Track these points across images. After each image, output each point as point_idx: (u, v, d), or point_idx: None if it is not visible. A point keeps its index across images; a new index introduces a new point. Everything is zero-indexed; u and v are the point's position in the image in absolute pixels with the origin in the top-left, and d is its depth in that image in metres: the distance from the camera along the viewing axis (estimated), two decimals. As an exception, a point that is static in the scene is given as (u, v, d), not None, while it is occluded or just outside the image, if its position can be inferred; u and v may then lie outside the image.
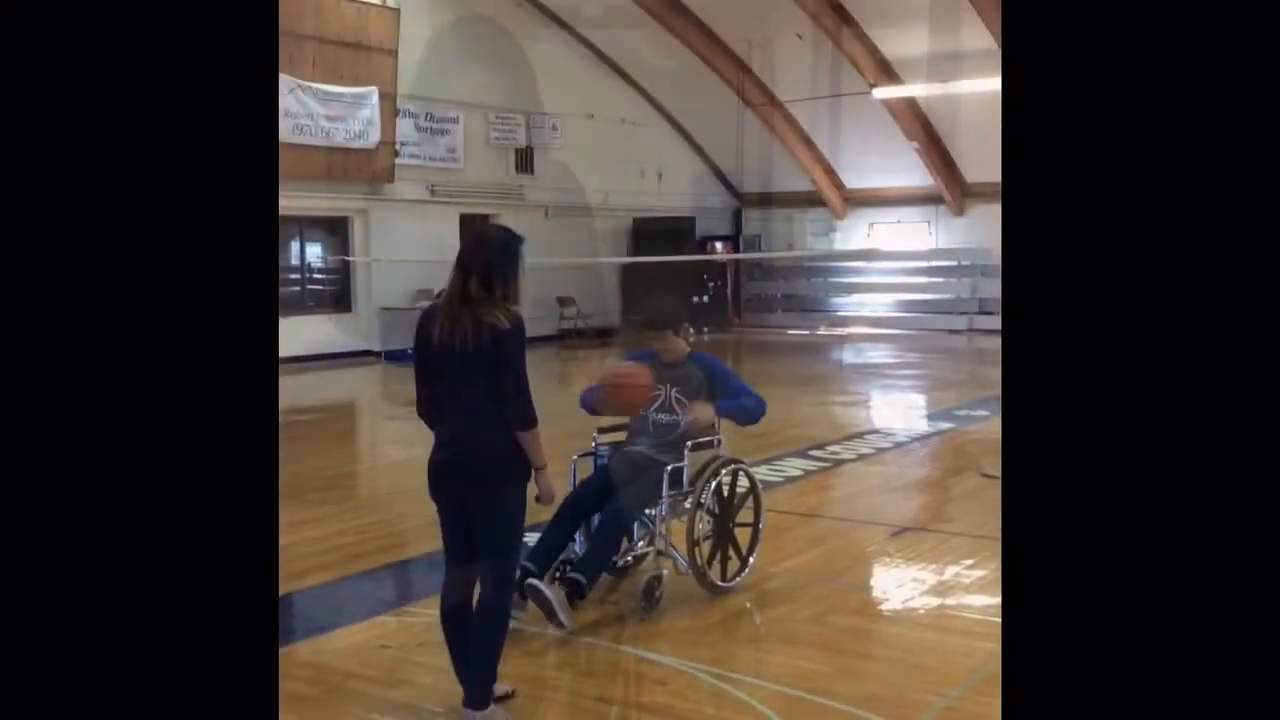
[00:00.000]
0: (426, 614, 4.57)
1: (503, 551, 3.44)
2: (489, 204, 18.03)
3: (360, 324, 16.31)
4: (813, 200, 21.41)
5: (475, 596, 3.48)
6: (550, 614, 4.14)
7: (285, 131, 14.40)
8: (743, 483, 4.91)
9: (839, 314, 21.06)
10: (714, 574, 4.69)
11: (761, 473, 7.52)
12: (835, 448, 8.60)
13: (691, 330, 4.87)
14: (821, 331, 20.16)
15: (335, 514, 6.61)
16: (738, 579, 4.80)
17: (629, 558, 4.80)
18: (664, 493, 4.49)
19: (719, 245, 21.34)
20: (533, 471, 3.44)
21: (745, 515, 4.94)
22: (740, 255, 21.36)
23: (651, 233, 19.97)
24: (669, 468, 4.52)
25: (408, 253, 16.16)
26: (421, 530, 6.13)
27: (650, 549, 4.68)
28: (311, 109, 14.68)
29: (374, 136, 15.47)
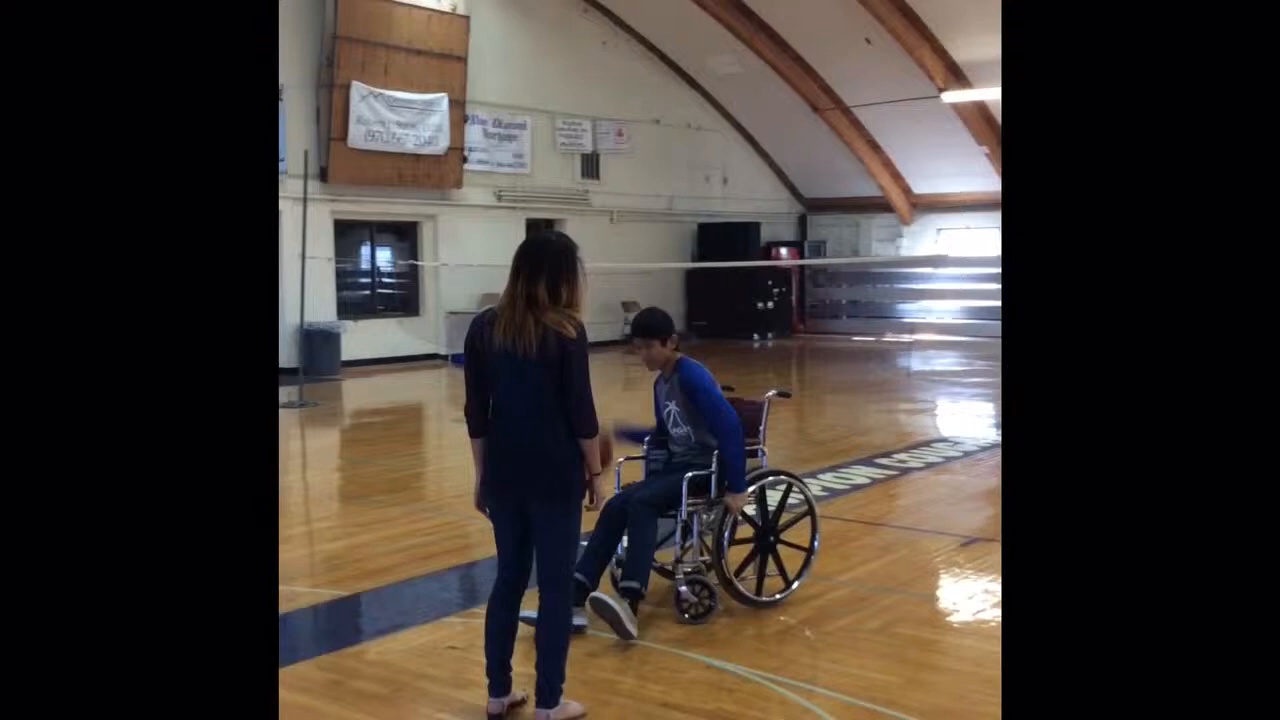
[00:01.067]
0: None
1: (562, 558, 3.49)
2: (555, 209, 18.14)
3: (428, 328, 16.50)
4: (880, 205, 21.20)
5: (537, 603, 3.53)
6: (618, 627, 4.17)
7: (358, 138, 14.65)
8: (796, 497, 4.84)
9: (905, 320, 20.82)
10: (746, 586, 4.60)
11: (827, 480, 7.49)
12: (902, 456, 8.51)
13: (678, 340, 4.69)
14: (888, 338, 19.94)
15: (403, 515, 6.69)
16: (779, 596, 4.69)
17: (675, 563, 4.69)
18: (683, 499, 4.43)
19: (784, 251, 21.23)
20: (589, 477, 3.48)
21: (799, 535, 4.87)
22: (805, 261, 21.21)
23: (716, 238, 19.94)
24: (688, 475, 4.45)
25: (474, 257, 16.33)
26: (487, 534, 6.19)
27: (684, 558, 4.60)
28: (383, 116, 14.90)
29: (443, 143, 15.66)
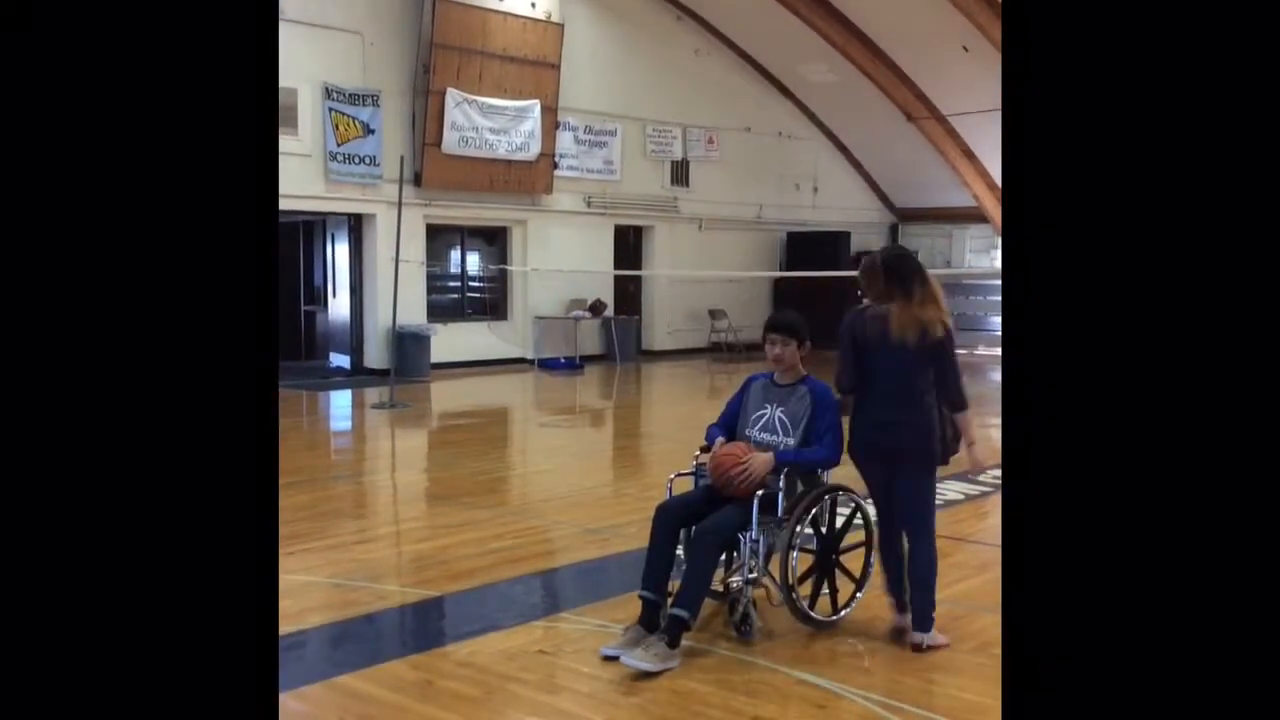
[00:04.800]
0: (581, 622, 4.60)
1: (924, 510, 4.38)
2: (644, 216, 18.17)
3: (515, 332, 16.64)
4: (973, 216, 20.78)
5: (905, 547, 4.42)
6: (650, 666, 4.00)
7: (451, 144, 14.85)
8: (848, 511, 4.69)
9: (999, 333, 20.37)
10: (813, 607, 4.47)
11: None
12: (996, 472, 8.28)
13: (807, 347, 4.61)
14: (980, 351, 19.53)
15: (490, 518, 6.72)
16: (842, 613, 4.58)
17: (734, 580, 4.53)
18: (754, 518, 4.30)
19: (874, 261, 20.92)
20: (965, 445, 4.35)
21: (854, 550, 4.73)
22: (896, 271, 20.86)
23: (805, 247, 19.75)
24: (759, 494, 4.34)
25: (563, 263, 16.43)
26: (573, 538, 6.20)
27: (739, 578, 4.44)
28: (476, 122, 15.08)
29: (535, 149, 15.79)
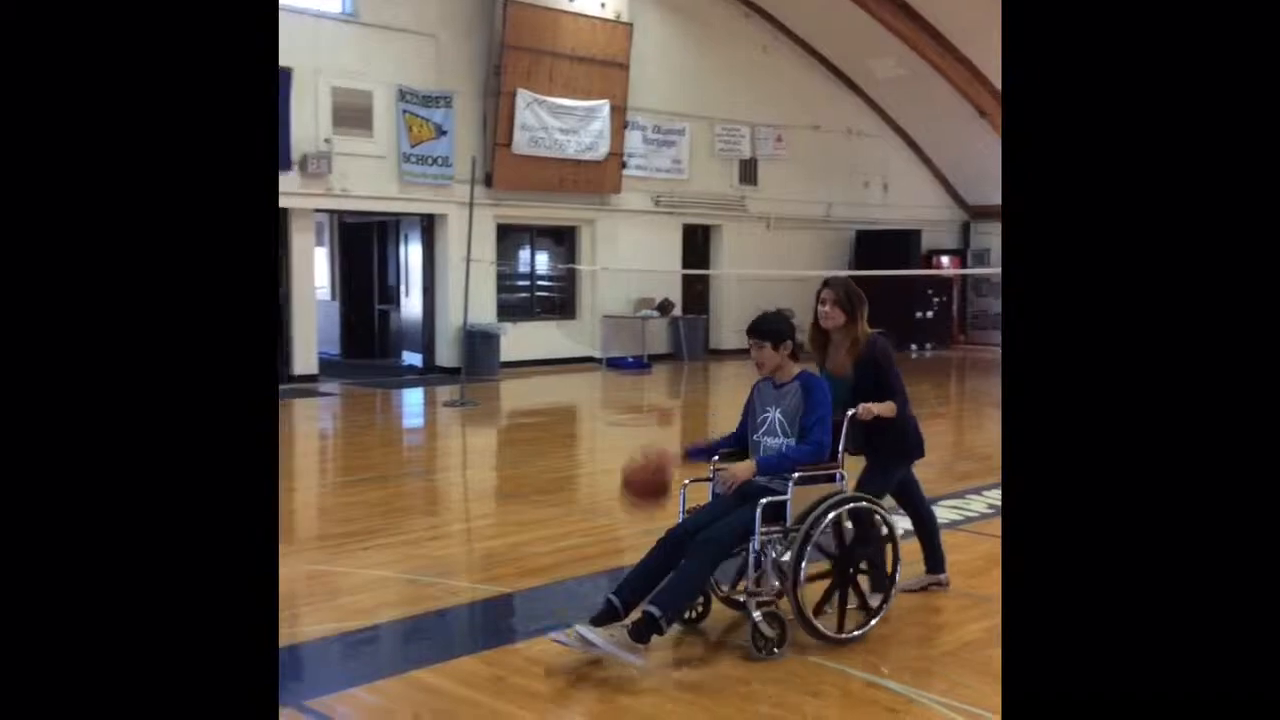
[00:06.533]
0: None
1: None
2: (712, 215, 18.15)
3: (584, 331, 16.73)
4: (1048, 213, 20.39)
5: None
6: (616, 653, 3.92)
7: (521, 143, 14.99)
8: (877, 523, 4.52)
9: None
10: (825, 623, 4.26)
11: (992, 497, 7.21)
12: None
13: (792, 347, 4.48)
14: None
15: (559, 516, 6.78)
16: (861, 630, 4.35)
17: (748, 595, 4.28)
18: (757, 527, 4.13)
19: (945, 259, 20.67)
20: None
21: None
22: (967, 270, 20.59)
23: (875, 245, 19.55)
24: (763, 501, 4.15)
25: (631, 262, 16.48)
26: (642, 537, 6.21)
27: (743, 591, 4.28)
28: (546, 122, 15.19)
29: (603, 148, 15.87)
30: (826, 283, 4.89)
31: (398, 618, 4.73)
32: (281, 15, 13.08)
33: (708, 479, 4.55)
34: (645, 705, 3.74)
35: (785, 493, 4.24)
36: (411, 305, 15.89)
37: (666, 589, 4.05)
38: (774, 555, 4.24)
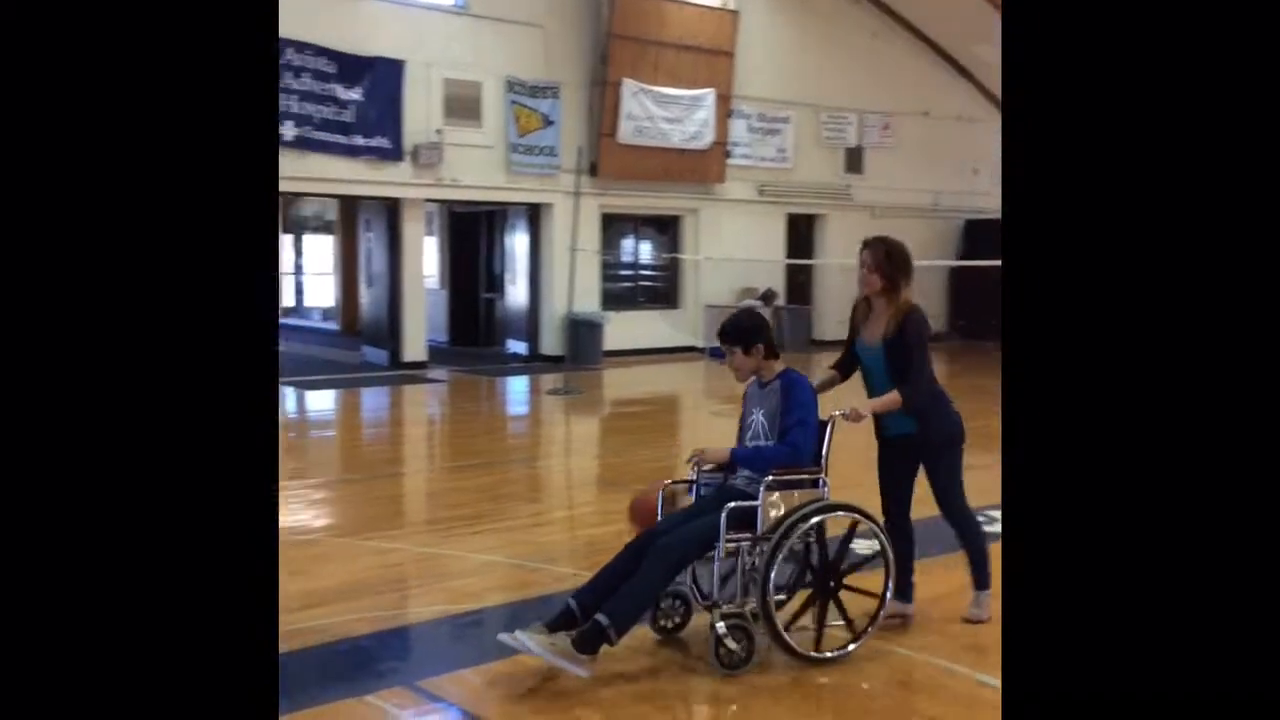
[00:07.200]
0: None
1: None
2: (816, 204, 17.98)
3: (686, 320, 16.77)
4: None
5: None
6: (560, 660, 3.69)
7: (627, 133, 15.07)
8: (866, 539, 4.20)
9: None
10: (800, 640, 3.94)
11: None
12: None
13: (763, 349, 4.14)
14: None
15: (662, 505, 6.82)
16: (844, 651, 4.01)
17: (711, 606, 3.99)
18: (722, 533, 3.84)
19: (1058, 249, 20.08)
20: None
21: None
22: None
23: (985, 235, 19.09)
24: (729, 505, 3.87)
25: (734, 251, 16.44)
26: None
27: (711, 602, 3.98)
28: (651, 111, 15.25)
29: (708, 137, 15.85)
30: (866, 243, 4.35)
31: (503, 602, 4.84)
32: (395, 9, 13.46)
33: (689, 481, 4.31)
34: (748, 693, 3.75)
35: (753, 491, 3.97)
36: (517, 294, 16.14)
37: (618, 597, 3.77)
38: (745, 564, 3.94)
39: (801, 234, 18.16)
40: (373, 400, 12.57)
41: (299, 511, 6.98)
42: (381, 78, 13.22)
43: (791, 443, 4.02)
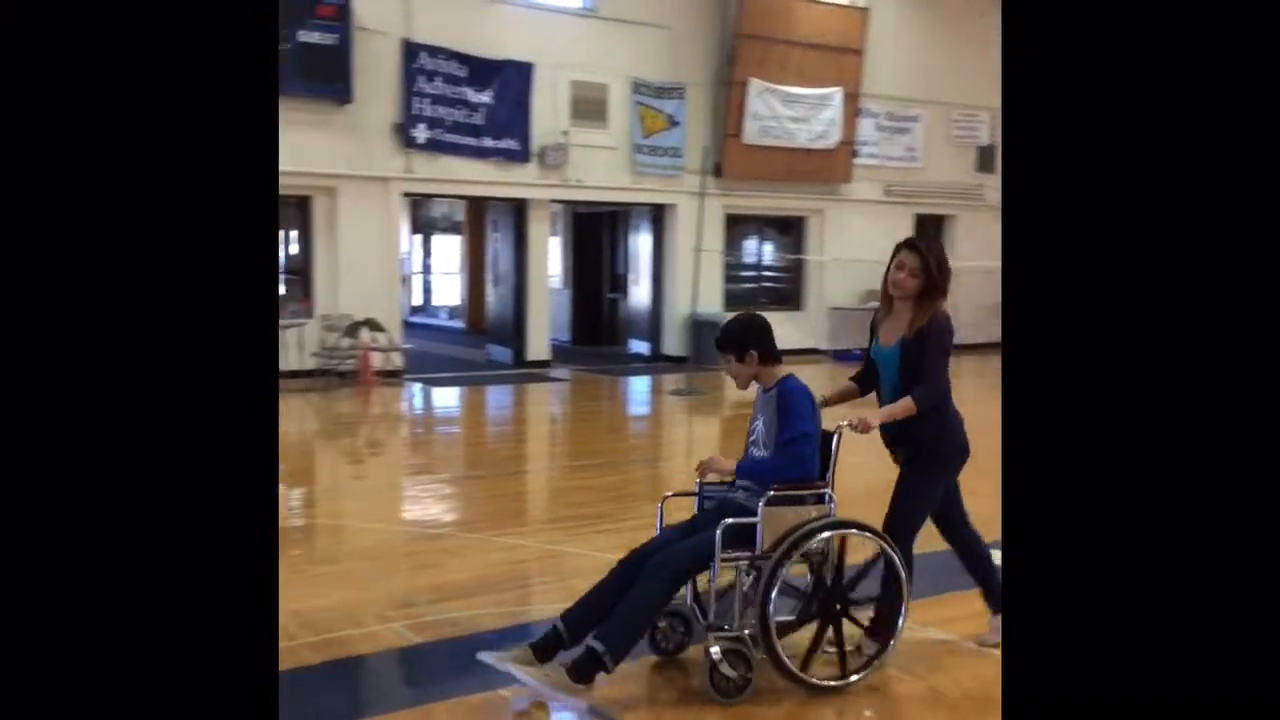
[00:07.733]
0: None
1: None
2: (946, 204, 17.55)
3: (809, 322, 16.56)
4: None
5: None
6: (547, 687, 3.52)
7: (752, 133, 14.96)
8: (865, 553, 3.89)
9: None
10: (803, 665, 3.70)
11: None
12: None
13: (757, 354, 3.90)
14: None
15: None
16: (850, 679, 3.74)
17: (707, 627, 3.78)
18: (717, 552, 3.60)
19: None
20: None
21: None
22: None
23: (1124, 237, 18.37)
24: (725, 522, 3.60)
25: (859, 253, 16.14)
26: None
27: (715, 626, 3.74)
28: (777, 111, 15.10)
29: (835, 137, 15.63)
30: (911, 245, 3.98)
31: (627, 602, 4.82)
32: (525, 12, 13.66)
33: (691, 493, 4.11)
34: (868, 703, 3.66)
35: (753, 506, 3.71)
36: (640, 294, 16.19)
37: (611, 622, 3.56)
38: (744, 586, 3.71)
39: (930, 235, 17.75)
40: (497, 398, 12.77)
41: (429, 506, 7.13)
42: (511, 80, 13.42)
43: (787, 454, 3.73)
